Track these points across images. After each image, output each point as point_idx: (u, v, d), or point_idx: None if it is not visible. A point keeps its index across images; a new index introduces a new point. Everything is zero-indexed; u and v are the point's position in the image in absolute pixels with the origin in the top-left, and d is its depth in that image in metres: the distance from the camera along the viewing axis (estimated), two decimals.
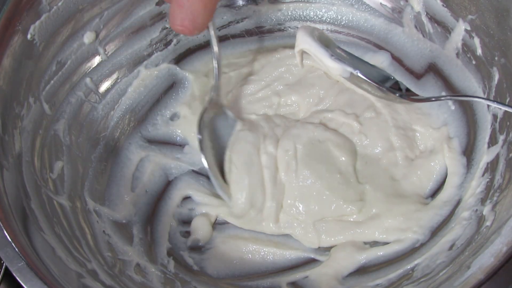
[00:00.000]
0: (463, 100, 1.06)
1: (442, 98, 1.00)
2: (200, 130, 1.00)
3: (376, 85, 0.92)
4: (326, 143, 1.07)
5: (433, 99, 0.99)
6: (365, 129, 1.09)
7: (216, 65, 1.03)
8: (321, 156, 1.06)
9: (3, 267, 0.92)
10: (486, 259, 0.73)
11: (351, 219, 1.04)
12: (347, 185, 1.05)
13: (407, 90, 0.96)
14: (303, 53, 1.06)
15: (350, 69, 0.93)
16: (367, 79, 0.92)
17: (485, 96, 1.00)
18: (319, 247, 1.04)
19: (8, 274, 0.91)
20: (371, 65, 0.95)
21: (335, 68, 0.95)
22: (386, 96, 0.95)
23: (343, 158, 1.06)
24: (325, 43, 0.97)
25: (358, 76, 0.92)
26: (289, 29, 1.27)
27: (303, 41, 0.99)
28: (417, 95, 0.96)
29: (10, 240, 0.75)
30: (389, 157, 1.07)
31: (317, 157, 1.06)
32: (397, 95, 0.93)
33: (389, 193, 1.04)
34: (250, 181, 1.03)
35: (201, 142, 0.99)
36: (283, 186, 1.05)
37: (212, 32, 0.99)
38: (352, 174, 1.06)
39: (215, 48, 1.01)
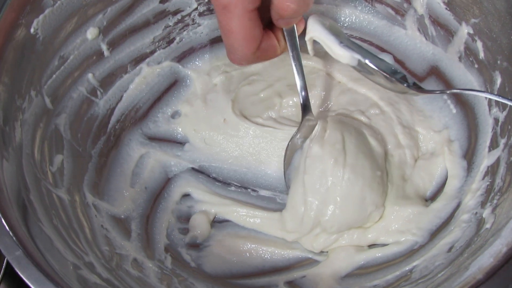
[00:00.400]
0: (465, 103, 1.06)
1: (447, 92, 0.96)
2: (285, 157, 1.03)
3: (385, 74, 0.91)
4: (363, 133, 1.06)
5: (437, 91, 0.96)
6: (374, 124, 1.08)
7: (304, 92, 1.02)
8: (366, 148, 1.03)
9: (3, 266, 0.92)
10: (485, 259, 0.73)
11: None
12: (382, 186, 1.02)
13: (414, 84, 0.95)
14: (313, 42, 1.02)
15: (358, 57, 0.91)
16: (376, 68, 0.91)
17: (487, 101, 1.00)
18: None
19: (8, 273, 0.91)
20: (379, 58, 0.94)
21: (344, 56, 0.92)
22: (394, 87, 0.92)
23: (380, 151, 1.04)
24: (335, 32, 0.97)
25: (367, 64, 0.91)
26: None
27: (313, 29, 0.97)
28: (424, 88, 0.94)
29: (8, 229, 0.75)
30: (399, 154, 1.06)
31: (364, 150, 1.02)
32: (405, 85, 0.91)
33: (399, 195, 1.03)
34: (291, 199, 1.02)
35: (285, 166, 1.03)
36: (326, 192, 0.99)
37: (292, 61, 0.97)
38: (385, 172, 1.04)
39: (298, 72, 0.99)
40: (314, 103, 1.15)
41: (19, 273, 0.72)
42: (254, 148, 1.14)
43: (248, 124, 1.14)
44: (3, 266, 0.92)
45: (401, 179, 1.05)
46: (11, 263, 0.73)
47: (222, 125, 1.16)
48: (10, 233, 0.75)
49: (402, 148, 1.07)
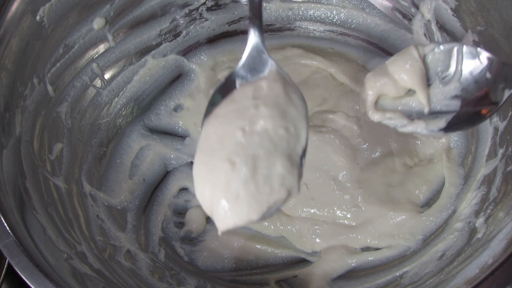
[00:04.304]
0: None
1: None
2: None
3: None
4: (324, 147, 1.07)
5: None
6: (365, 133, 1.08)
7: None
8: (316, 161, 1.07)
9: (5, 267, 0.93)
10: (472, 270, 0.73)
11: (346, 222, 1.04)
12: (343, 191, 1.05)
13: None
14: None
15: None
16: None
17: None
18: None
19: (9, 273, 0.91)
20: None
21: None
22: None
23: (341, 163, 1.06)
24: None
25: None
26: (299, 28, 1.26)
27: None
28: None
29: (0, 216, 0.76)
30: (387, 162, 1.06)
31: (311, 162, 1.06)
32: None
33: (384, 199, 1.04)
34: None
35: None
36: None
37: None
38: (349, 179, 1.06)
39: None
40: (315, 102, 1.15)
41: (9, 259, 0.72)
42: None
43: None
44: (4, 267, 0.93)
45: (385, 186, 1.05)
46: (1, 249, 0.73)
47: None
48: (2, 219, 0.76)
49: (392, 156, 1.07)
